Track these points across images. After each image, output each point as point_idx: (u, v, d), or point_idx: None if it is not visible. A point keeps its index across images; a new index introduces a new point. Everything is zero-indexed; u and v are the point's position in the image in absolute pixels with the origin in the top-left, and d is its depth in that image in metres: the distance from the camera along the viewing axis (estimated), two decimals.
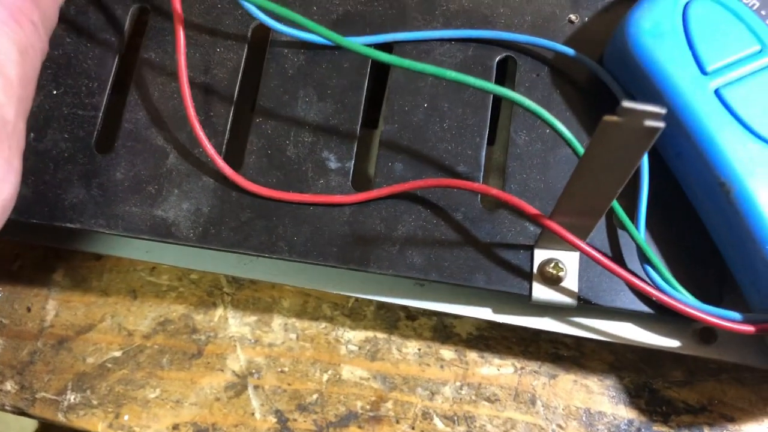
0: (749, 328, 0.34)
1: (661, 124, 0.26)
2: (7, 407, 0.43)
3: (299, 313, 0.43)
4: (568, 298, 0.36)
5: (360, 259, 0.37)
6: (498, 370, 0.41)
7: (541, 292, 0.37)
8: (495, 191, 0.35)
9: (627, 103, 0.26)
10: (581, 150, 0.36)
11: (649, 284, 0.35)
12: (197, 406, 0.42)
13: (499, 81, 0.41)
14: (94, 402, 0.42)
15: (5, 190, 0.30)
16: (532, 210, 0.35)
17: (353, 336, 0.42)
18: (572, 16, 0.41)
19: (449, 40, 0.40)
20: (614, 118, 0.27)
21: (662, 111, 0.26)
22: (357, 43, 0.35)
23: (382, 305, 0.43)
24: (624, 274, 0.34)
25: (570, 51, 0.39)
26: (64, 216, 0.39)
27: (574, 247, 0.35)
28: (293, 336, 0.43)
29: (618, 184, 0.31)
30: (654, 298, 0.35)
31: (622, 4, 0.41)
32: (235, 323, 0.43)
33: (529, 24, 0.41)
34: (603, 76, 0.39)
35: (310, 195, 0.38)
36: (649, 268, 0.36)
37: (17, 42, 0.31)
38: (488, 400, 0.41)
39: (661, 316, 0.37)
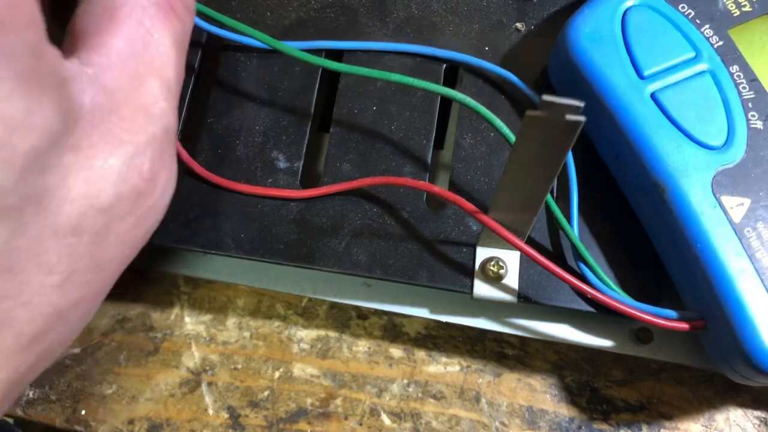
0: (683, 326, 0.33)
1: (581, 118, 0.26)
2: None
3: (253, 312, 0.42)
4: (509, 295, 0.35)
5: (306, 256, 0.36)
6: (444, 368, 0.40)
7: (482, 289, 0.36)
8: (436, 189, 0.35)
9: (547, 97, 0.25)
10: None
11: (585, 282, 0.34)
12: (152, 401, 0.41)
13: (447, 86, 0.40)
14: (53, 397, 0.41)
15: (168, 193, 0.28)
16: (469, 206, 0.34)
17: (305, 335, 0.41)
18: (518, 25, 0.40)
19: (397, 52, 0.39)
20: (536, 112, 0.26)
21: (580, 104, 0.25)
22: (294, 48, 0.34)
23: (334, 305, 0.42)
24: (558, 270, 0.33)
25: (509, 75, 0.38)
26: None
27: (512, 245, 0.34)
28: (247, 334, 0.42)
29: (548, 180, 0.30)
30: (589, 296, 0.34)
31: (566, 13, 0.40)
32: (191, 321, 0.42)
33: (476, 32, 0.40)
34: (532, 98, 0.38)
35: (260, 187, 0.37)
36: (584, 267, 0.35)
37: (174, 36, 0.28)
38: (434, 397, 0.40)
39: (600, 314, 0.36)
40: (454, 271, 0.36)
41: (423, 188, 0.35)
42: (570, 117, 0.26)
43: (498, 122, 0.35)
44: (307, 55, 0.35)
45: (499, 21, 0.40)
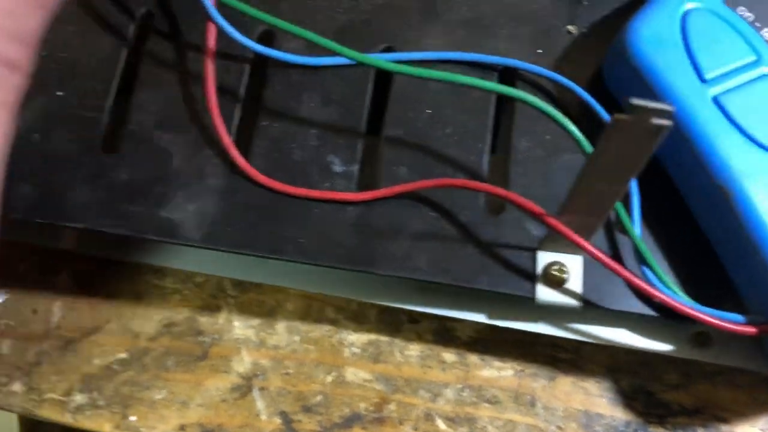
0: (751, 330, 0.33)
1: (668, 123, 0.25)
2: (15, 408, 0.40)
3: (303, 316, 0.41)
4: (572, 300, 0.35)
5: (367, 261, 0.36)
6: (498, 372, 0.40)
7: (545, 294, 0.35)
8: (502, 191, 0.34)
9: (636, 101, 0.25)
10: (589, 149, 0.35)
11: (652, 286, 0.33)
12: (203, 407, 0.40)
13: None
14: (101, 403, 0.40)
15: None
16: (537, 209, 0.33)
17: (356, 339, 0.41)
18: (570, 28, 0.39)
19: (450, 61, 0.39)
20: (624, 115, 0.25)
21: (671, 109, 0.25)
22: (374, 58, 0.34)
23: (384, 309, 0.41)
24: (627, 274, 0.33)
25: (563, 79, 0.38)
26: (69, 216, 0.37)
27: (579, 249, 0.33)
28: (297, 338, 0.41)
29: (623, 184, 0.30)
30: (657, 300, 0.33)
31: (617, 16, 0.40)
32: (240, 326, 0.41)
33: (528, 34, 0.39)
34: (588, 101, 0.37)
35: (318, 191, 0.36)
36: (646, 270, 0.35)
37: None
38: (489, 402, 0.39)
39: (658, 319, 0.35)
40: (515, 275, 0.35)
41: (488, 191, 0.35)
42: (657, 121, 0.26)
43: (567, 122, 0.34)
44: (364, 55, 0.35)
45: (551, 24, 0.40)
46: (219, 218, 0.36)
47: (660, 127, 0.26)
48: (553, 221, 0.33)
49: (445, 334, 0.40)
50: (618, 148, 0.27)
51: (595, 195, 0.31)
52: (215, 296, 0.42)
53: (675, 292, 0.34)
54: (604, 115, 0.37)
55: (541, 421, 0.38)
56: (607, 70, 0.38)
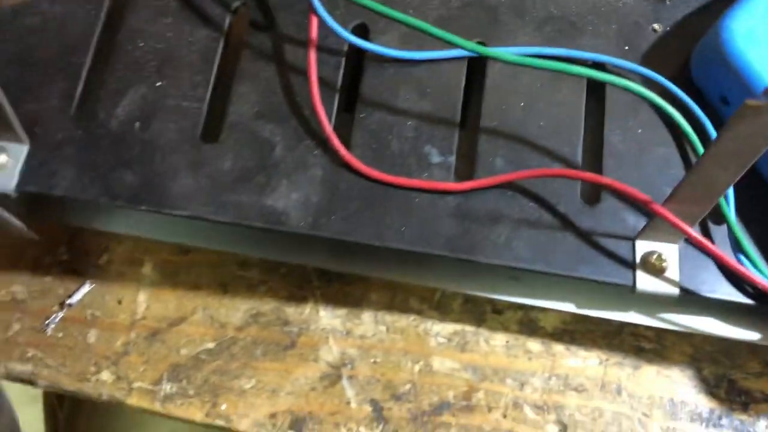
0: None
1: None
2: (104, 396, 0.41)
3: (388, 306, 0.42)
4: (672, 288, 0.35)
5: (468, 248, 0.36)
6: (584, 361, 0.40)
7: (645, 282, 0.36)
8: (606, 179, 0.35)
9: None
10: (695, 139, 0.36)
11: (751, 273, 0.34)
12: (293, 395, 0.40)
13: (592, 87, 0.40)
14: (191, 392, 0.40)
15: None
16: (643, 196, 0.34)
17: (441, 328, 0.41)
18: (655, 26, 0.40)
19: (542, 56, 0.39)
20: (757, 101, 0.26)
21: None
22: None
23: (468, 299, 0.41)
24: (729, 259, 0.34)
25: (653, 75, 0.39)
26: (172, 204, 0.37)
27: (677, 238, 0.34)
28: (383, 328, 0.41)
29: (738, 172, 0.31)
30: (754, 284, 0.34)
31: (699, 15, 0.41)
32: (326, 316, 0.42)
33: (614, 32, 0.40)
34: (677, 93, 0.38)
35: (419, 180, 0.37)
36: (743, 259, 0.36)
37: None
38: (576, 390, 0.40)
39: (747, 307, 0.36)
40: (615, 264, 0.36)
41: (591, 180, 0.35)
42: None
43: (673, 112, 0.35)
44: (462, 40, 0.35)
45: (636, 22, 0.40)
46: (323, 206, 0.37)
47: None
48: (660, 209, 0.33)
49: (529, 324, 0.41)
50: (742, 135, 0.28)
51: (708, 183, 0.31)
52: (301, 287, 0.42)
53: None
54: (693, 107, 0.38)
55: (627, 408, 0.39)
56: (696, 66, 0.39)
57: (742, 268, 0.34)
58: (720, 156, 0.30)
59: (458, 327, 0.41)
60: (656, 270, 0.35)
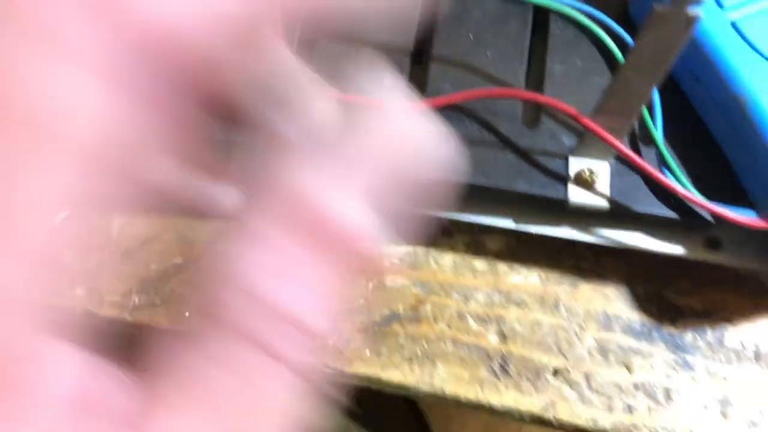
0: (762, 224, 0.36)
1: (700, 13, 0.29)
2: (78, 309, 0.43)
3: None
4: (601, 201, 0.38)
5: None
6: (525, 279, 0.43)
7: (576, 195, 0.38)
8: (540, 96, 0.38)
9: None
10: (618, 55, 0.39)
11: (676, 186, 0.37)
12: None
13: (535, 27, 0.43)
14: (158, 302, 0.43)
15: None
16: (572, 110, 0.37)
17: (395, 250, 0.44)
18: None
19: None
20: (663, 6, 0.29)
21: None
22: None
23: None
24: (654, 172, 0.36)
25: (596, 12, 0.42)
26: None
27: (608, 154, 0.37)
28: None
29: (655, 78, 0.33)
30: (679, 197, 0.37)
31: None
32: None
33: None
34: (618, 32, 0.41)
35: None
36: (668, 173, 0.38)
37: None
38: (517, 304, 0.42)
39: (681, 221, 0.39)
40: (550, 179, 0.39)
41: (526, 98, 0.38)
42: (691, 11, 0.29)
43: (610, 42, 0.38)
44: None
45: None
46: None
47: (693, 18, 0.30)
48: (587, 121, 0.36)
49: (476, 245, 0.44)
50: (655, 41, 0.31)
51: (629, 92, 0.34)
52: None
53: (693, 193, 0.38)
54: (629, 41, 0.41)
55: (564, 320, 0.42)
56: (632, 3, 0.42)
57: (666, 180, 0.37)
58: (637, 62, 0.33)
59: (410, 249, 0.44)
60: (587, 184, 0.38)
